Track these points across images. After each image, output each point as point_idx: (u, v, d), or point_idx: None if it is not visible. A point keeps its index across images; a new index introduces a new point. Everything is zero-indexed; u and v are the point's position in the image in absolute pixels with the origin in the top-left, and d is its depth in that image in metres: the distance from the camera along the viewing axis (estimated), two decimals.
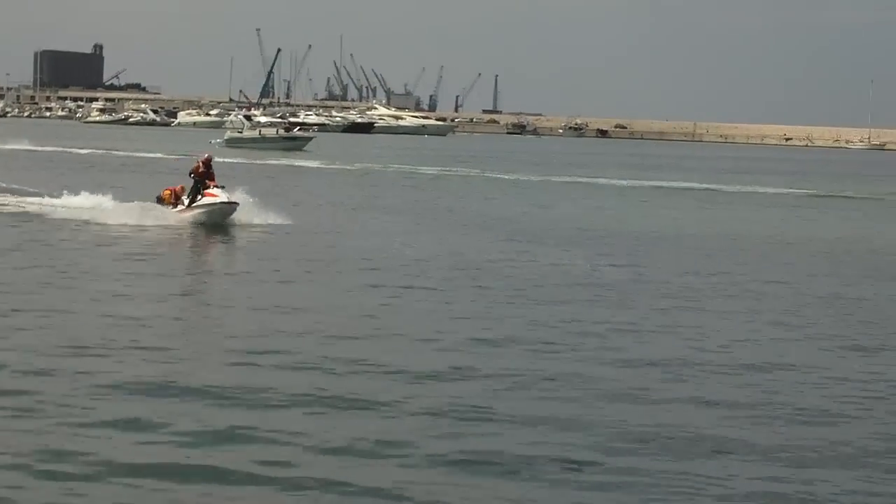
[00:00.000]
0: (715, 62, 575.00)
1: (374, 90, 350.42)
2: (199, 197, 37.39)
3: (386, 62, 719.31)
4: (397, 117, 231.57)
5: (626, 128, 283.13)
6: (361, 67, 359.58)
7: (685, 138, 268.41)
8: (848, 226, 49.37)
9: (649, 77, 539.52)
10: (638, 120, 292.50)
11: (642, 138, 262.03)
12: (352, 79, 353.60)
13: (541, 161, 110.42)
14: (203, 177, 37.73)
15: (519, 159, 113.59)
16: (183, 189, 38.40)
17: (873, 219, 54.90)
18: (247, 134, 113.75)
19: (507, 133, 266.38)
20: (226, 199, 37.23)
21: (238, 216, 37.23)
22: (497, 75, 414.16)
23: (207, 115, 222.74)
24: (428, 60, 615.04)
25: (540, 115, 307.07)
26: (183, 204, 37.78)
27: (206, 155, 39.32)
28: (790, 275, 30.88)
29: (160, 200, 38.54)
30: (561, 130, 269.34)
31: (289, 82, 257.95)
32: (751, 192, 72.12)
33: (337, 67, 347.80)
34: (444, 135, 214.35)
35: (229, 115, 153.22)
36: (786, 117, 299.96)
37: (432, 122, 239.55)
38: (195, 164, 38.53)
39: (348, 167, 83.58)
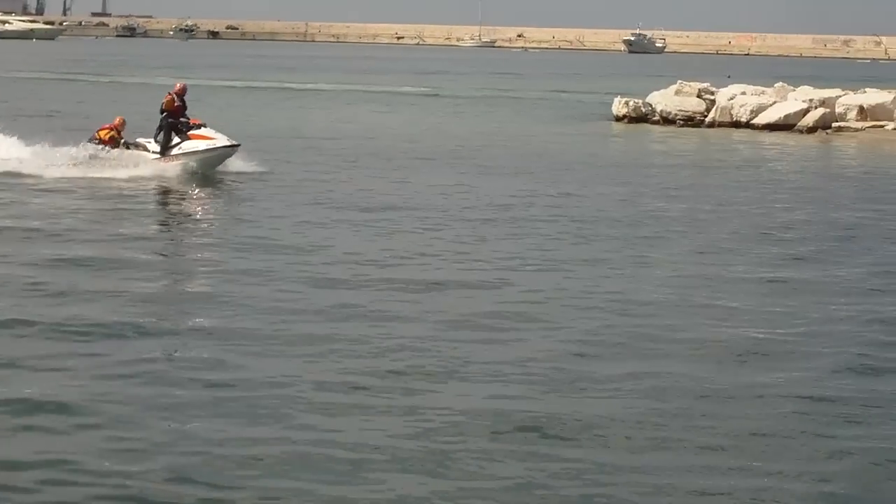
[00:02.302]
0: None
1: None
2: (177, 139, 29.67)
3: None
4: (3, 21, 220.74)
5: (237, 29, 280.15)
6: None
7: (297, 38, 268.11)
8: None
9: None
10: (250, 21, 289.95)
11: (255, 39, 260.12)
12: None
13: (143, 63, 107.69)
14: (178, 113, 29.94)
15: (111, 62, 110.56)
16: (123, 123, 30.28)
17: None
18: None
19: (117, 36, 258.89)
20: (227, 141, 29.80)
21: None
22: None
23: None
24: None
25: (150, 17, 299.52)
26: (126, 146, 29.76)
27: (180, 84, 31.00)
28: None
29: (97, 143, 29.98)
30: (171, 32, 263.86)
31: None
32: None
33: None
34: (53, 38, 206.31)
35: None
36: (397, 16, 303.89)
37: (41, 25, 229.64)
38: (167, 97, 30.04)
39: None
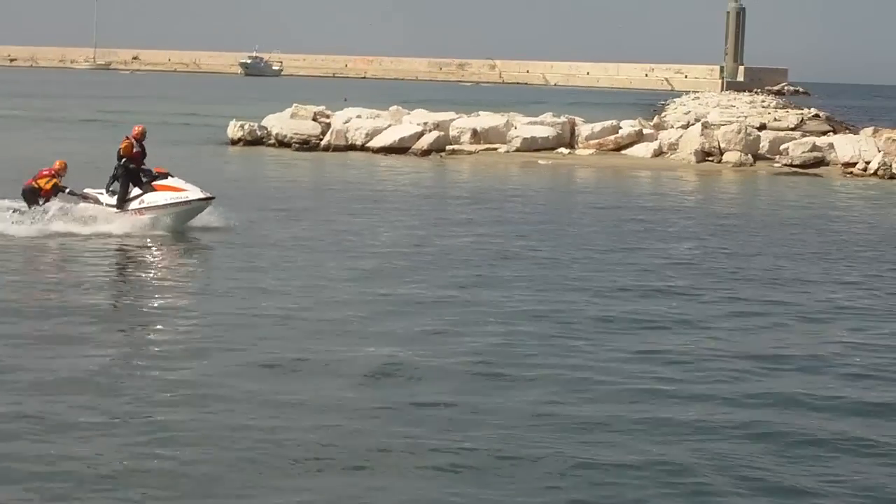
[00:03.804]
0: None
1: None
2: (135, 189, 25.91)
3: None
4: None
5: None
6: None
7: None
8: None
9: None
10: None
11: None
12: None
13: None
14: (138, 160, 26.19)
15: None
16: (65, 167, 26.15)
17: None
18: None
19: None
20: (202, 194, 26.13)
21: None
22: None
23: None
24: None
25: None
26: (75, 196, 26.00)
27: (138, 127, 26.99)
28: None
29: (33, 193, 25.67)
30: None
31: None
32: None
33: None
34: None
35: None
36: (9, 37, 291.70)
37: None
38: (124, 142, 26.29)
39: None
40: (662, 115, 76.25)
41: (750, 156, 48.60)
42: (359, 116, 54.82)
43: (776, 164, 48.17)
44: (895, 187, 43.05)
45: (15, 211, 25.54)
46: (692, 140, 49.65)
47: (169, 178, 26.17)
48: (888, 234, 29.98)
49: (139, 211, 25.68)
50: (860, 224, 32.08)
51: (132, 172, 26.04)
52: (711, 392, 14.37)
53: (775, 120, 64.73)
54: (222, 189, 29.81)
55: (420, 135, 51.63)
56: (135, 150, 26.14)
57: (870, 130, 53.06)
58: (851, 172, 46.39)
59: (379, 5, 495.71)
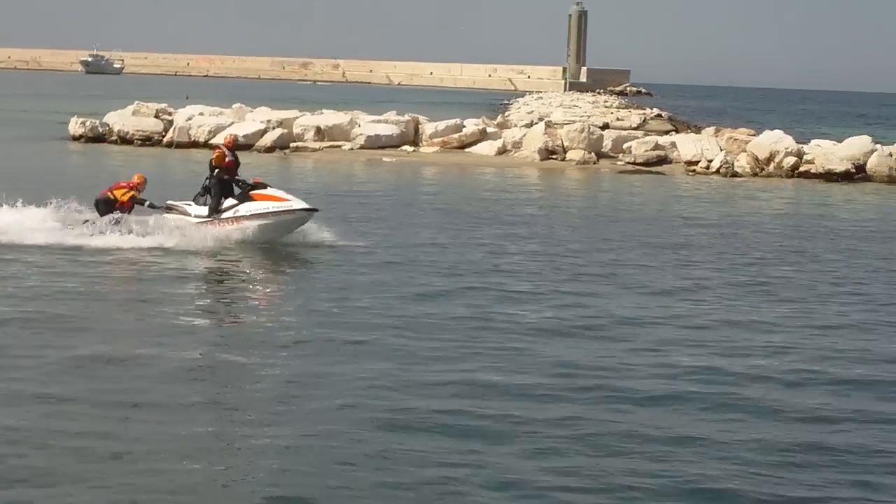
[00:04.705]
0: None
1: None
2: (227, 200, 24.34)
3: None
4: None
5: None
6: None
7: None
8: None
9: None
10: None
11: None
12: None
13: None
14: (231, 169, 24.77)
15: None
16: (144, 181, 24.72)
17: None
18: None
19: None
20: (304, 204, 24.50)
21: None
22: None
23: None
24: None
25: None
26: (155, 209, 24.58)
27: (230, 136, 25.66)
28: None
29: (108, 204, 24.37)
30: None
31: None
32: None
33: None
34: None
35: None
36: None
37: None
38: (216, 151, 25.12)
39: None
40: (506, 114, 76.82)
41: (593, 154, 49.21)
42: (201, 114, 54.22)
43: (619, 163, 48.85)
44: (737, 184, 44.03)
45: (87, 222, 24.22)
46: (536, 138, 50.09)
47: (267, 188, 24.57)
48: (733, 229, 30.59)
49: (235, 220, 24.14)
50: (705, 219, 32.65)
51: (225, 183, 24.60)
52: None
53: (618, 119, 65.83)
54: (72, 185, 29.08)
55: (263, 132, 51.24)
56: (227, 160, 24.77)
57: (711, 130, 54.32)
58: (694, 171, 47.30)
59: (221, 4, 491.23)
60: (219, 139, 50.39)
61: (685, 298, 20.49)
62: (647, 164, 48.14)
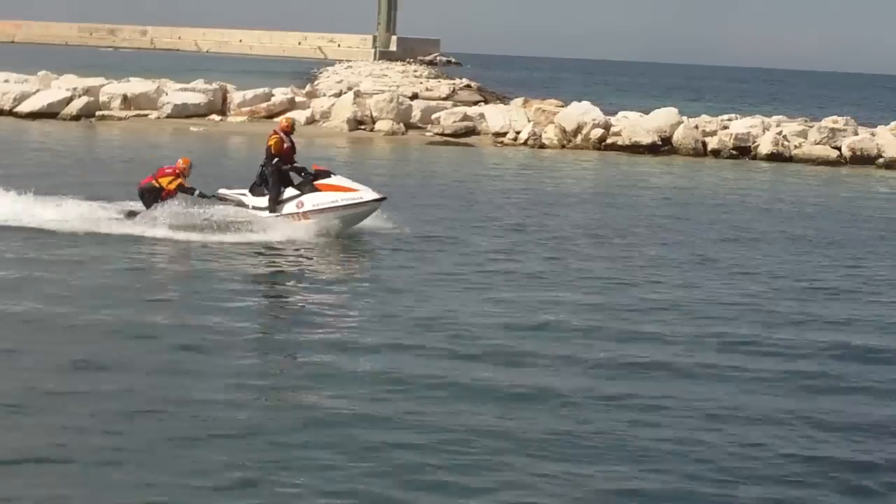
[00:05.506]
0: None
1: None
2: (287, 191, 22.89)
3: None
4: None
5: None
6: None
7: None
8: None
9: None
10: None
11: None
12: None
13: None
14: (289, 156, 23.12)
15: None
16: (189, 165, 23.02)
17: None
18: None
19: None
20: (374, 194, 23.01)
21: None
22: None
23: None
24: None
25: None
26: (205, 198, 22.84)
27: (286, 119, 24.18)
28: None
29: (153, 193, 22.73)
30: None
31: None
32: None
33: None
34: None
35: None
36: None
37: None
38: (272, 136, 23.20)
39: None
40: (315, 83, 76.84)
41: (402, 125, 49.74)
42: (6, 81, 53.21)
43: (428, 133, 49.51)
44: (545, 155, 45.02)
45: (131, 213, 22.94)
46: (345, 108, 50.43)
47: (332, 176, 23.16)
48: (537, 198, 31.55)
49: (303, 214, 22.76)
50: (512, 190, 33.54)
51: (284, 171, 23.18)
52: None
53: (427, 90, 66.43)
54: None
55: (69, 100, 50.54)
56: (285, 146, 23.28)
57: (520, 101, 55.33)
58: (502, 142, 48.18)
59: None
60: (24, 107, 49.75)
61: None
62: (455, 135, 48.89)
